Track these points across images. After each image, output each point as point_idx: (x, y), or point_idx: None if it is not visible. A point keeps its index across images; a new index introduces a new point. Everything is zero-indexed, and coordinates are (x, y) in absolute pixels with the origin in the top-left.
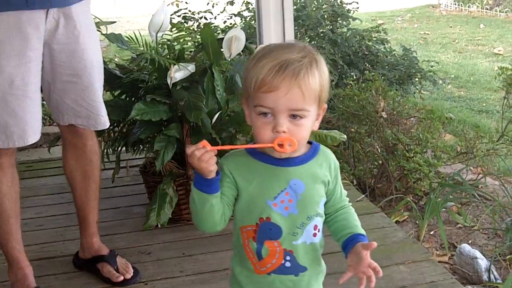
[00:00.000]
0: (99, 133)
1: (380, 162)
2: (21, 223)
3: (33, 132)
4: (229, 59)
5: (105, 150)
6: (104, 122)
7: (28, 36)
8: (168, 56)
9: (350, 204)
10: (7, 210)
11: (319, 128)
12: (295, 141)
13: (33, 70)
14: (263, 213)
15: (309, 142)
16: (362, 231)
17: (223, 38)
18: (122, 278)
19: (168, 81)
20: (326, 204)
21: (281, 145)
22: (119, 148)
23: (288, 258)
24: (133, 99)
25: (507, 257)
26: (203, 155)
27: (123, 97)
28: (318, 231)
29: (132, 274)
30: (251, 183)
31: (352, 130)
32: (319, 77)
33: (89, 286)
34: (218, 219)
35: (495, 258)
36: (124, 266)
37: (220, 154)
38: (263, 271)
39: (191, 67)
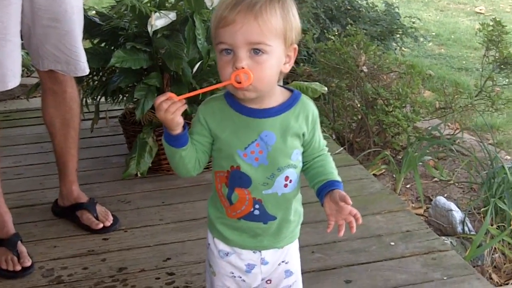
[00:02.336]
0: (78, 81)
1: (360, 116)
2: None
3: (13, 76)
4: (210, 8)
5: (84, 99)
6: (84, 68)
7: None
8: (148, 4)
9: (329, 153)
10: None
11: (299, 81)
12: (251, 74)
13: (13, 13)
14: (234, 161)
15: (291, 90)
16: (338, 178)
17: None
18: (101, 225)
19: (149, 29)
20: (303, 154)
21: (239, 82)
22: (99, 98)
23: (257, 206)
24: (112, 47)
25: (481, 209)
26: (170, 106)
27: (102, 45)
28: (290, 182)
29: (111, 222)
30: (224, 131)
31: (333, 84)
32: (281, 13)
33: (69, 233)
34: (191, 166)
35: (469, 211)
36: (104, 213)
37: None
38: (233, 215)
39: (172, 15)
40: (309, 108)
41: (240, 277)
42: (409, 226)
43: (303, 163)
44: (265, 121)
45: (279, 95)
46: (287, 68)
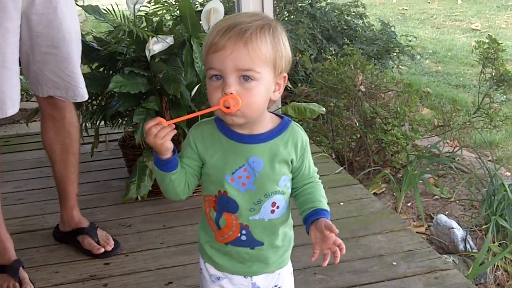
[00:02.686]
0: (78, 106)
1: (358, 135)
2: (0, 197)
3: (12, 104)
4: (207, 31)
5: (84, 124)
6: (83, 94)
7: (5, 6)
8: (146, 29)
9: (320, 180)
10: None
11: (297, 101)
12: (239, 99)
13: (11, 40)
14: (221, 186)
15: (281, 117)
16: (326, 207)
17: (201, 10)
18: (103, 250)
19: (147, 54)
20: (293, 180)
21: (228, 107)
22: (98, 122)
23: (244, 232)
24: (111, 72)
25: (483, 227)
26: (160, 131)
27: (101, 70)
28: (277, 208)
29: (113, 246)
30: (213, 155)
31: (331, 104)
32: (271, 41)
33: (70, 258)
34: (181, 190)
35: (471, 228)
36: (105, 238)
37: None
38: (221, 240)
39: (170, 39)
40: (298, 135)
41: None
42: (410, 246)
43: (292, 189)
44: (253, 147)
45: (268, 122)
46: (277, 96)
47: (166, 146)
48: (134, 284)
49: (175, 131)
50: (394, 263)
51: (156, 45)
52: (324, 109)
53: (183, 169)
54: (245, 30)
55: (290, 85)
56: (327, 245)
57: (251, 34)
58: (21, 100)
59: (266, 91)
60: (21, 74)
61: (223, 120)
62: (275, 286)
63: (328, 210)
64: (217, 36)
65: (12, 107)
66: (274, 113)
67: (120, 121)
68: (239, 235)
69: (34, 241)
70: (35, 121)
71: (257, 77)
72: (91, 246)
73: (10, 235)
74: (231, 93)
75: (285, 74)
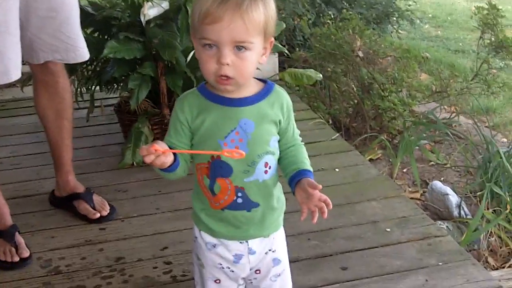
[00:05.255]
0: (72, 71)
1: (356, 101)
2: None
3: (16, 68)
4: None
5: (79, 89)
6: (84, 53)
7: None
8: None
9: (302, 143)
10: None
11: (295, 67)
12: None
13: (13, 6)
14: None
15: (264, 82)
16: (309, 168)
17: None
18: (98, 215)
19: (142, 19)
20: (278, 142)
21: (221, 77)
22: (93, 87)
23: (239, 194)
24: (105, 37)
25: (478, 194)
26: (154, 161)
27: (95, 35)
28: (269, 168)
29: (108, 211)
30: (203, 123)
31: (329, 69)
32: (263, 9)
33: (66, 223)
34: (182, 172)
35: (465, 194)
36: (100, 203)
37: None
38: (217, 206)
39: (165, 4)
40: (283, 97)
41: (229, 268)
42: (405, 212)
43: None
44: (243, 110)
45: (253, 86)
46: (264, 60)
47: (166, 164)
48: (129, 249)
49: (172, 157)
50: (388, 230)
51: (151, 10)
52: (321, 75)
53: (177, 149)
54: (242, 2)
55: (287, 51)
56: (313, 203)
57: (247, 7)
58: None
59: (257, 57)
60: None
61: (207, 88)
62: (270, 250)
63: (311, 170)
64: (213, 5)
65: (16, 71)
66: (257, 78)
67: (115, 87)
68: (235, 198)
69: (30, 206)
70: (31, 85)
71: (250, 47)
72: (87, 211)
73: (6, 200)
74: (227, 64)
75: (272, 39)
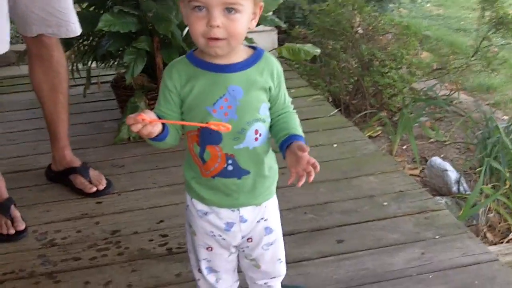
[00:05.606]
0: (68, 46)
1: (355, 78)
2: None
3: (1, 42)
4: None
5: (75, 65)
6: (75, 29)
7: None
8: None
9: (294, 111)
10: None
11: (292, 42)
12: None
13: None
14: (203, 119)
15: (254, 48)
16: (301, 133)
17: None
18: (95, 189)
19: None
20: (270, 110)
21: (214, 38)
22: (89, 63)
23: (230, 162)
24: (101, 11)
25: (477, 169)
26: (141, 130)
27: (91, 9)
28: (260, 136)
29: (105, 186)
30: (191, 90)
31: (329, 46)
32: None
33: (62, 197)
34: (173, 141)
35: (465, 171)
36: (97, 177)
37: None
38: (207, 174)
39: None
40: (273, 64)
41: (220, 236)
42: (402, 187)
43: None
44: (231, 76)
45: (243, 52)
46: (253, 25)
47: (153, 133)
48: (125, 222)
49: (159, 127)
50: (385, 203)
51: None
52: (319, 50)
53: (166, 118)
54: None
55: (284, 25)
56: (301, 166)
57: None
58: (16, 42)
59: (247, 21)
60: None
61: (195, 55)
62: (262, 218)
63: (303, 136)
64: None
65: (2, 45)
66: (247, 45)
67: (111, 62)
68: (225, 165)
69: (26, 181)
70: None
71: (240, 9)
72: (83, 185)
73: (2, 175)
74: (218, 26)
75: (262, 4)
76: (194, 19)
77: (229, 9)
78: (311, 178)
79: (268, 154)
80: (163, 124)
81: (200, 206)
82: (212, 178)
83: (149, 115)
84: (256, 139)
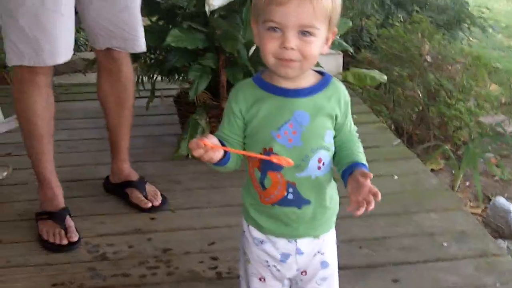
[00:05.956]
0: (135, 59)
1: (420, 107)
2: (54, 144)
3: (65, 51)
4: None
5: (141, 77)
6: (142, 45)
7: None
8: None
9: (359, 140)
10: (40, 130)
11: (359, 68)
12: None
13: None
14: (267, 143)
15: (322, 73)
16: (364, 161)
17: None
18: (150, 204)
19: (206, 9)
20: (334, 138)
21: (289, 60)
22: (155, 76)
23: (290, 190)
24: (170, 25)
25: None
26: (203, 156)
27: (160, 23)
28: (323, 165)
29: (160, 202)
30: (257, 114)
31: (394, 73)
32: None
33: (117, 210)
34: (233, 167)
35: None
36: (153, 193)
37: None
38: (267, 201)
39: None
40: (340, 91)
41: (275, 267)
42: (464, 226)
43: None
44: (298, 101)
45: (311, 77)
46: (326, 50)
47: (214, 159)
48: (177, 241)
49: (221, 153)
50: (445, 244)
51: (216, 1)
52: (385, 77)
53: (229, 144)
54: None
55: (351, 50)
56: (363, 194)
57: None
58: (84, 50)
59: (321, 45)
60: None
61: (263, 78)
62: (318, 252)
63: (366, 164)
64: None
65: (65, 54)
66: (315, 69)
67: (176, 77)
68: (286, 193)
69: (83, 190)
70: (94, 72)
71: (316, 33)
72: (139, 200)
73: (61, 183)
74: (292, 48)
75: (336, 29)
76: (268, 39)
77: (304, 32)
78: (370, 207)
79: (330, 184)
80: (224, 152)
81: (257, 233)
82: (272, 206)
83: (211, 140)
84: (319, 167)
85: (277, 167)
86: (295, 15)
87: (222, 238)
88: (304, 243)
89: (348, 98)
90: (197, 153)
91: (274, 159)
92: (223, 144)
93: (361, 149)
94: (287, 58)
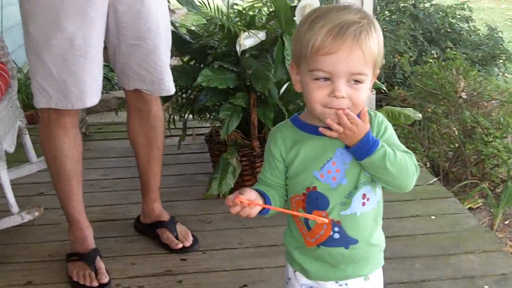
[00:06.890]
0: (166, 98)
1: (456, 145)
2: (87, 184)
3: (92, 94)
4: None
5: (172, 116)
6: (169, 88)
7: None
8: (239, 23)
9: (408, 153)
10: (68, 171)
11: (393, 105)
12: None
13: (95, 31)
14: (310, 184)
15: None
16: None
17: (296, 6)
18: (181, 245)
19: (237, 48)
20: None
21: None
22: (186, 115)
23: (336, 229)
24: (201, 65)
25: None
26: (239, 212)
27: (192, 63)
28: (368, 200)
29: (191, 242)
30: (297, 156)
31: (429, 110)
32: (377, 40)
33: (148, 251)
34: (275, 213)
35: None
36: (184, 233)
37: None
38: (312, 242)
39: (262, 35)
40: (376, 118)
41: None
42: (505, 269)
43: None
44: (339, 139)
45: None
46: (369, 93)
47: (252, 215)
48: (208, 284)
49: (258, 209)
50: (486, 287)
51: (247, 40)
52: (420, 115)
53: (272, 189)
54: (360, 32)
55: (385, 88)
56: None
57: (365, 37)
58: (117, 88)
59: (369, 89)
60: (108, 65)
61: (300, 119)
62: None
63: (383, 144)
64: (328, 37)
65: (92, 97)
66: None
67: (207, 116)
68: (331, 233)
69: (114, 231)
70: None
71: (365, 79)
72: (170, 241)
73: (92, 223)
74: (342, 96)
75: (378, 71)
76: (315, 88)
77: (355, 80)
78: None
79: (378, 220)
80: (264, 198)
81: (304, 280)
82: (317, 247)
83: (248, 195)
84: (363, 203)
85: (323, 206)
86: (345, 64)
87: (253, 280)
88: (353, 284)
89: (385, 122)
90: (233, 210)
91: (310, 217)
92: (262, 194)
93: (398, 151)
94: (339, 107)
